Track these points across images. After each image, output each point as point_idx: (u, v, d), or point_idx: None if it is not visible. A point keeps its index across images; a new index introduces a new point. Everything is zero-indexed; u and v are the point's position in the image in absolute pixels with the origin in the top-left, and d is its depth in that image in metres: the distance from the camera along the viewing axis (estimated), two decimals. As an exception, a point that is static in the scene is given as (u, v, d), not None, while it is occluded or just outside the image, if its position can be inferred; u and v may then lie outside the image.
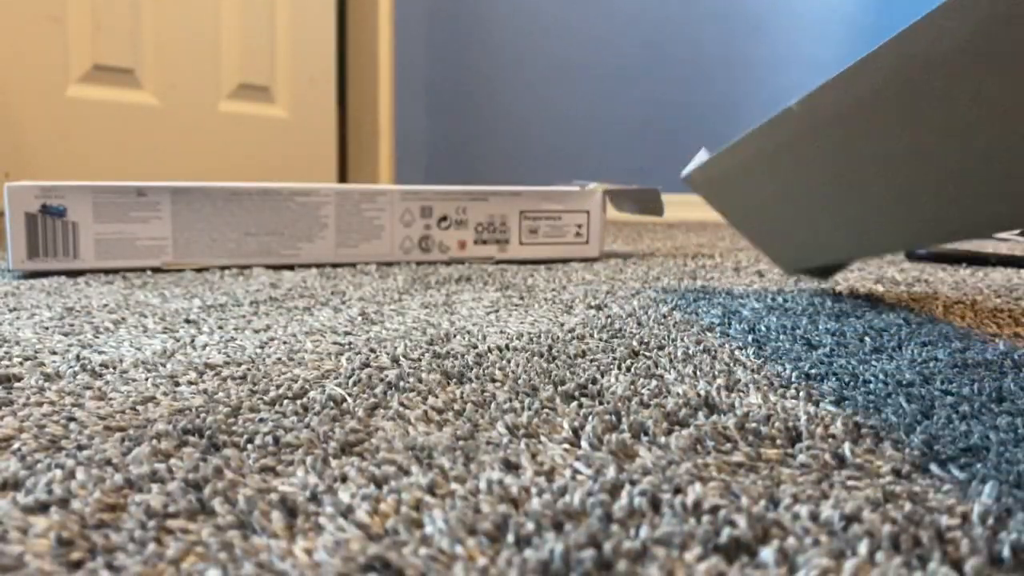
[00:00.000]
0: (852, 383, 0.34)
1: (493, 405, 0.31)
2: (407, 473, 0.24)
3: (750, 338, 0.44)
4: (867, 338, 0.44)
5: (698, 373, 0.36)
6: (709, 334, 0.45)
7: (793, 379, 0.35)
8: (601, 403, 0.31)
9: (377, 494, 0.22)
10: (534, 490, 0.23)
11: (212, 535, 0.20)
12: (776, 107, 1.90)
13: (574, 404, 0.31)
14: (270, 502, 0.22)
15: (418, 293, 0.60)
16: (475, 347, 0.41)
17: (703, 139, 1.98)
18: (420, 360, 0.38)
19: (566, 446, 0.26)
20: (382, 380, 0.34)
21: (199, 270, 0.72)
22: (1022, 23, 0.25)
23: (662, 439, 0.27)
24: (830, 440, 0.27)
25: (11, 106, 1.45)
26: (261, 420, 0.29)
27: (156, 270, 0.72)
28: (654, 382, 0.34)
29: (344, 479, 0.23)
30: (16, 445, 0.26)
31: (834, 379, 0.35)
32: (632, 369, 0.37)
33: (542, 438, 0.27)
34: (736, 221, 0.59)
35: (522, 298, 0.59)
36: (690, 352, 0.40)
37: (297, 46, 1.89)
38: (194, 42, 1.68)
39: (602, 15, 2.09)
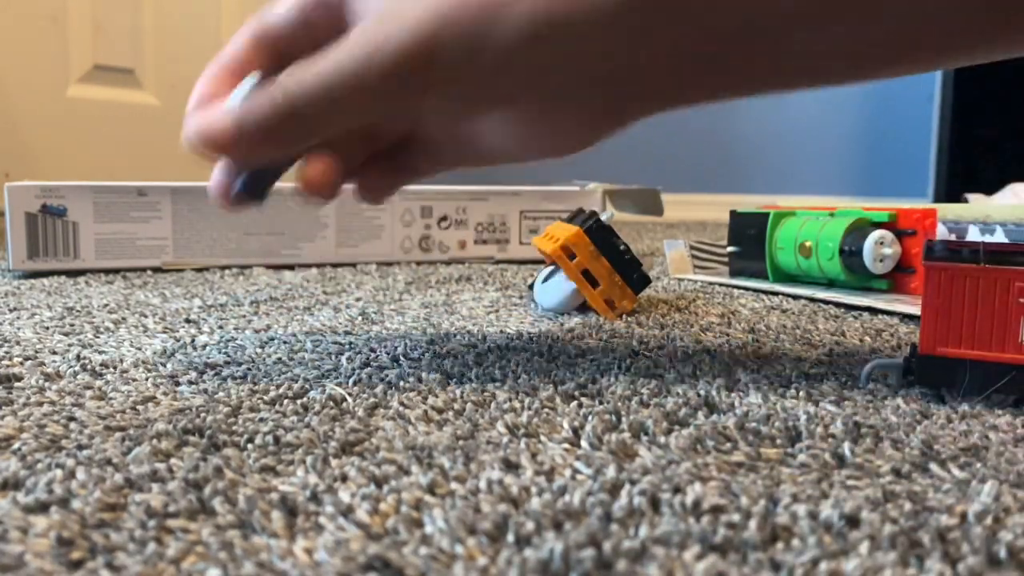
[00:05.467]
0: (852, 383, 0.34)
1: (493, 405, 0.31)
2: (407, 473, 0.24)
3: (750, 338, 0.44)
4: (867, 338, 0.44)
5: (698, 373, 0.36)
6: (709, 334, 0.45)
7: (793, 379, 0.35)
8: (601, 403, 0.31)
9: (377, 494, 0.22)
10: (534, 490, 0.23)
11: (212, 535, 0.20)
12: (775, 106, 1.90)
13: (574, 404, 0.31)
14: (270, 502, 0.22)
15: (418, 293, 0.60)
16: (475, 347, 0.41)
17: (703, 139, 1.98)
18: (420, 360, 0.38)
19: (566, 446, 0.26)
20: (382, 380, 0.34)
21: (199, 270, 0.72)
22: None
23: (662, 439, 0.27)
24: (830, 440, 0.27)
25: (11, 106, 1.45)
26: (261, 420, 0.29)
27: (156, 270, 0.72)
28: (654, 382, 0.34)
29: (344, 479, 0.23)
30: (16, 445, 0.26)
31: (834, 379, 0.35)
32: (632, 369, 0.37)
33: (542, 438, 0.27)
34: None
35: (522, 298, 0.59)
36: (690, 352, 0.40)
37: (297, 46, 1.89)
38: (194, 42, 1.68)
39: (602, 15, 2.09)
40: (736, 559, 0.19)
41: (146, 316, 0.49)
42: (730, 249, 0.69)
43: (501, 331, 0.45)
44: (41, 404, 0.30)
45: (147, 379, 0.34)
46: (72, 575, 0.18)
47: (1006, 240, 0.55)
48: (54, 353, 0.39)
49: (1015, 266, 0.31)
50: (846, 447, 0.26)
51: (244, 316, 0.50)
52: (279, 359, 0.38)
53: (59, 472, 0.23)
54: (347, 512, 0.21)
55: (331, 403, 0.31)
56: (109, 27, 1.56)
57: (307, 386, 0.33)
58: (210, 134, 0.31)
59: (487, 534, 0.20)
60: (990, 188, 1.49)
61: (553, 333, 0.45)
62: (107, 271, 0.70)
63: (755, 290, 0.64)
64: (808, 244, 0.61)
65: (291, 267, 0.76)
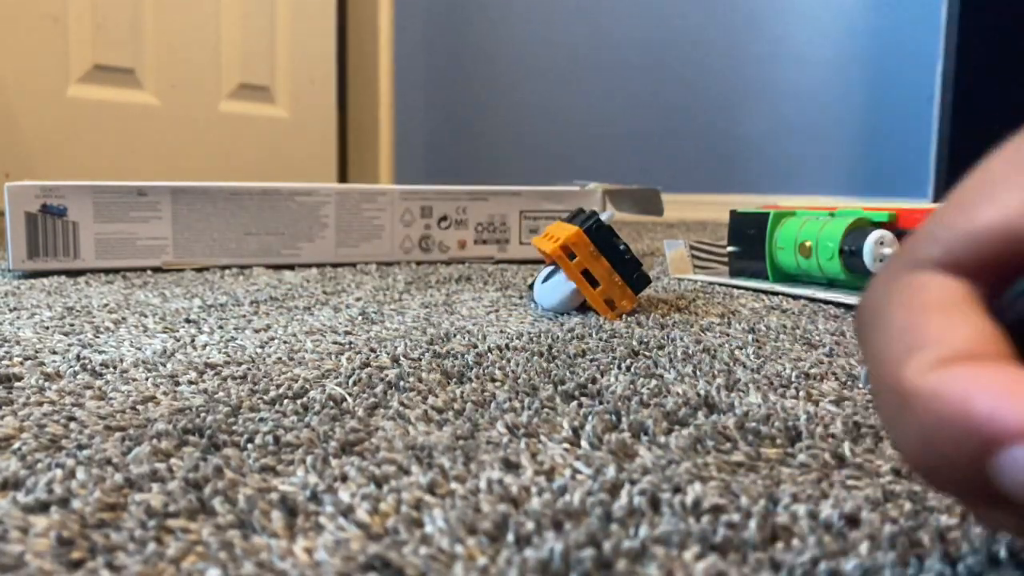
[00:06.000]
0: (852, 383, 0.34)
1: (493, 405, 0.31)
2: (407, 473, 0.24)
3: (750, 338, 0.44)
4: (867, 338, 0.44)
5: (698, 373, 0.36)
6: (709, 334, 0.45)
7: (793, 379, 0.35)
8: (601, 403, 0.31)
9: (377, 493, 0.22)
10: (534, 490, 0.23)
11: (212, 534, 0.20)
12: (775, 106, 1.91)
13: (574, 404, 0.31)
14: (270, 501, 0.22)
15: (418, 293, 0.60)
16: (475, 347, 0.41)
17: (704, 139, 1.98)
18: (420, 360, 0.38)
19: (566, 446, 0.26)
20: (382, 380, 0.34)
21: (199, 270, 0.72)
22: None
23: (662, 439, 0.27)
24: (830, 440, 0.27)
25: (11, 106, 1.45)
26: (261, 420, 0.29)
27: (156, 270, 0.72)
28: (654, 382, 0.34)
29: (344, 479, 0.23)
30: (16, 445, 0.26)
31: (834, 379, 0.35)
32: (632, 369, 0.37)
33: (542, 438, 0.27)
34: None
35: (522, 298, 0.59)
36: (690, 352, 0.40)
37: (297, 46, 1.89)
38: (194, 42, 1.68)
39: (602, 15, 2.09)
40: (736, 559, 0.19)
41: (146, 316, 0.49)
42: (730, 249, 0.69)
43: (501, 331, 0.45)
44: (41, 404, 0.30)
45: (147, 379, 0.34)
46: (72, 575, 0.18)
47: None
48: (54, 353, 0.39)
49: None
50: (846, 447, 0.26)
51: (244, 316, 0.50)
52: (279, 359, 0.38)
53: (59, 472, 0.23)
54: (347, 512, 0.21)
55: (331, 403, 0.31)
56: (109, 27, 1.56)
57: (307, 386, 0.33)
58: None
59: (487, 534, 0.20)
60: (990, 188, 1.48)
61: (553, 333, 0.45)
62: (107, 271, 0.70)
63: (755, 290, 0.64)
64: (808, 244, 0.61)
65: (291, 267, 0.76)
